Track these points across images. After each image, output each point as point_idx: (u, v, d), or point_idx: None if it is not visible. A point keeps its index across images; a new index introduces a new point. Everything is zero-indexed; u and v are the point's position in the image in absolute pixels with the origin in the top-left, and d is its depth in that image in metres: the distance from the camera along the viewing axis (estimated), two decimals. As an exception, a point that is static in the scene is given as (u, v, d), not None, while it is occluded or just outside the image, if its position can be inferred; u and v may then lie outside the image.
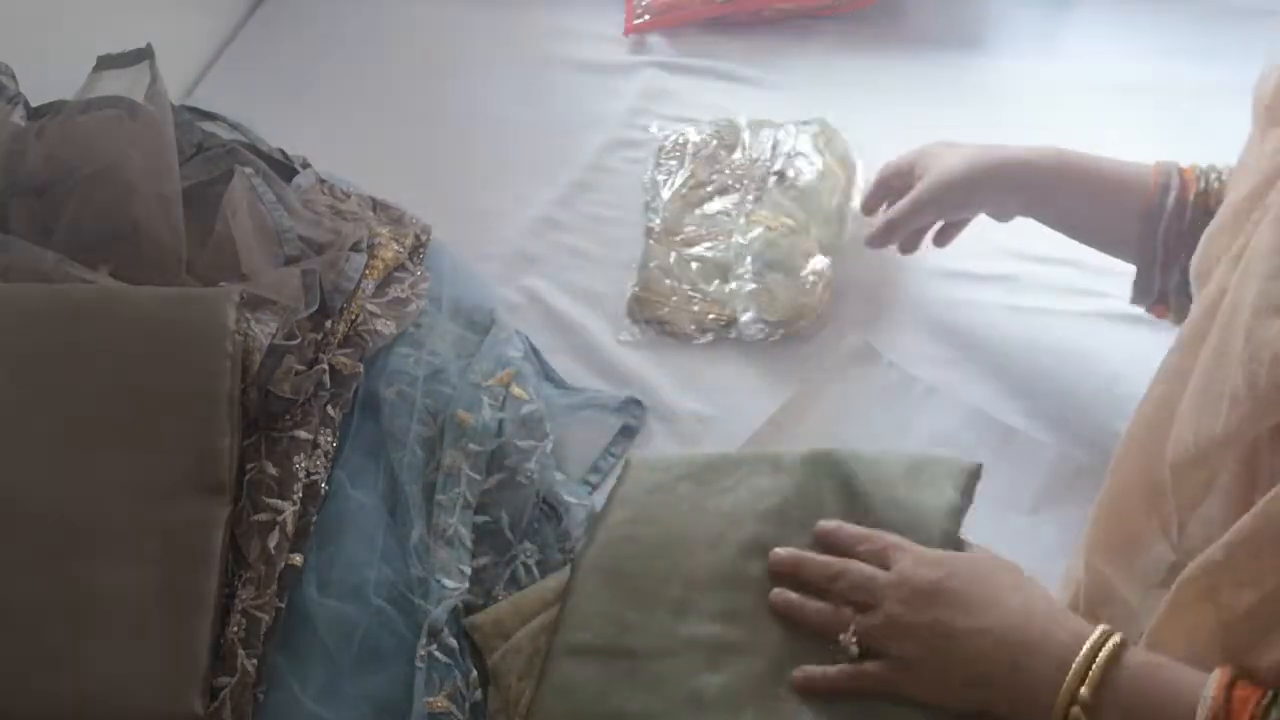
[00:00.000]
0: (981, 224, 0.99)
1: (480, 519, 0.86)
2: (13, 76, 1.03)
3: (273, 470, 0.83)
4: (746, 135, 1.17)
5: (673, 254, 1.09)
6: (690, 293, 1.06)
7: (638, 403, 0.98)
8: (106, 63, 1.08)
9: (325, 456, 0.86)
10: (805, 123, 1.17)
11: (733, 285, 1.05)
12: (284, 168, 1.06)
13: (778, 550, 0.74)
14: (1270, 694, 0.58)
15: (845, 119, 1.19)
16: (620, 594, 0.75)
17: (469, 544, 0.84)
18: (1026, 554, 0.75)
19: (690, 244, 1.10)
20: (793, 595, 0.73)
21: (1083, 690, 0.62)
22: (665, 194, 1.14)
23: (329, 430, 0.87)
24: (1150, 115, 1.19)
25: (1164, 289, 0.88)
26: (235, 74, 1.35)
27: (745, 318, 1.02)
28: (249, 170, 1.00)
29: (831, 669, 0.70)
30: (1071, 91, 1.25)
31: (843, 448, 0.79)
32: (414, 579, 0.81)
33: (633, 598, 0.74)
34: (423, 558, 0.82)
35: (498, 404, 0.92)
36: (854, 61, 1.31)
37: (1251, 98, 0.70)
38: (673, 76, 1.31)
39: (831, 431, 0.94)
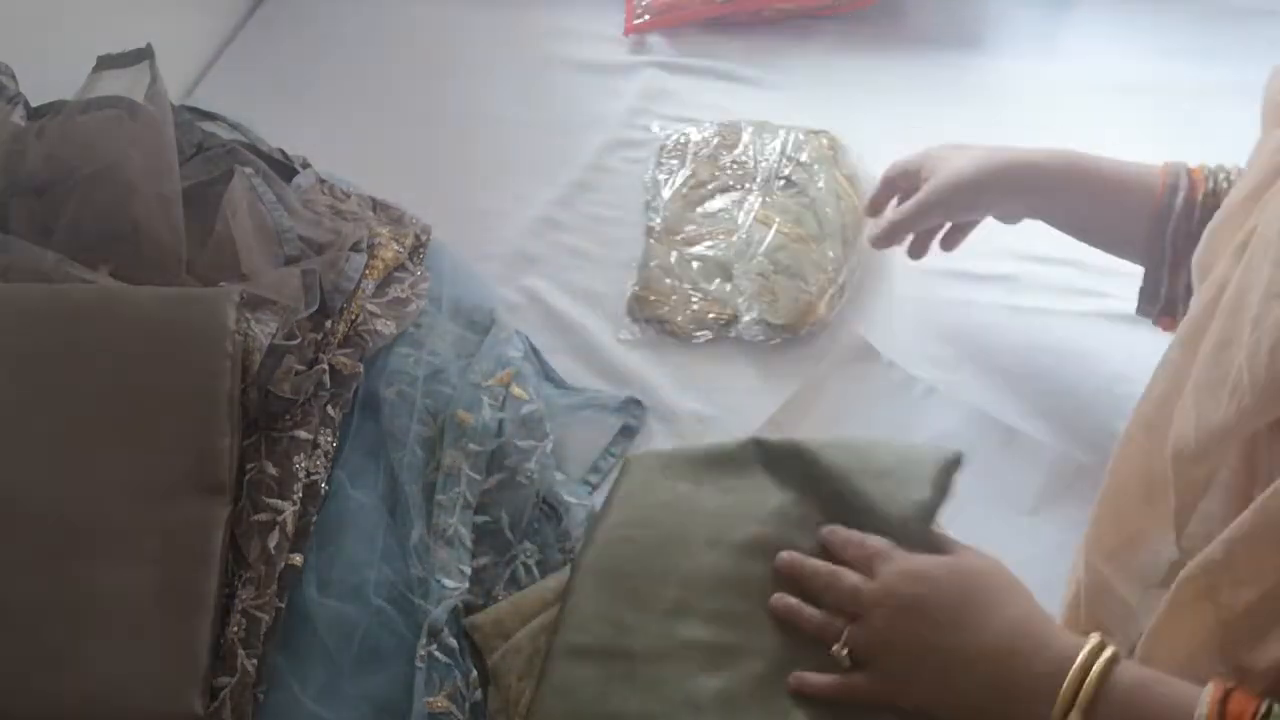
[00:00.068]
0: (983, 224, 0.99)
1: (480, 519, 0.86)
2: (13, 76, 1.03)
3: (273, 470, 0.83)
4: (749, 136, 1.17)
5: (673, 253, 1.09)
6: (691, 292, 1.06)
7: (638, 403, 0.98)
8: (106, 63, 1.08)
9: (325, 456, 0.86)
10: (814, 132, 1.17)
11: (735, 280, 1.05)
12: (284, 168, 1.06)
13: (781, 554, 0.74)
14: (1266, 704, 0.57)
15: (845, 119, 1.19)
16: (618, 596, 0.75)
17: (469, 544, 0.84)
18: (1026, 554, 0.75)
19: (691, 243, 1.10)
20: (792, 601, 0.73)
21: (1073, 716, 0.62)
22: (666, 193, 1.14)
23: (329, 430, 0.87)
24: (1150, 115, 1.19)
25: (1172, 295, 0.87)
26: (235, 74, 1.35)
27: (746, 318, 1.02)
28: (249, 170, 1.00)
29: (825, 677, 0.70)
30: (1071, 91, 1.25)
31: (828, 440, 0.79)
32: (414, 579, 0.81)
33: (631, 599, 0.74)
34: (423, 558, 0.82)
35: (498, 404, 0.92)
36: (854, 61, 1.31)
37: (1262, 97, 0.70)
38: (673, 76, 1.31)
39: (831, 431, 0.94)
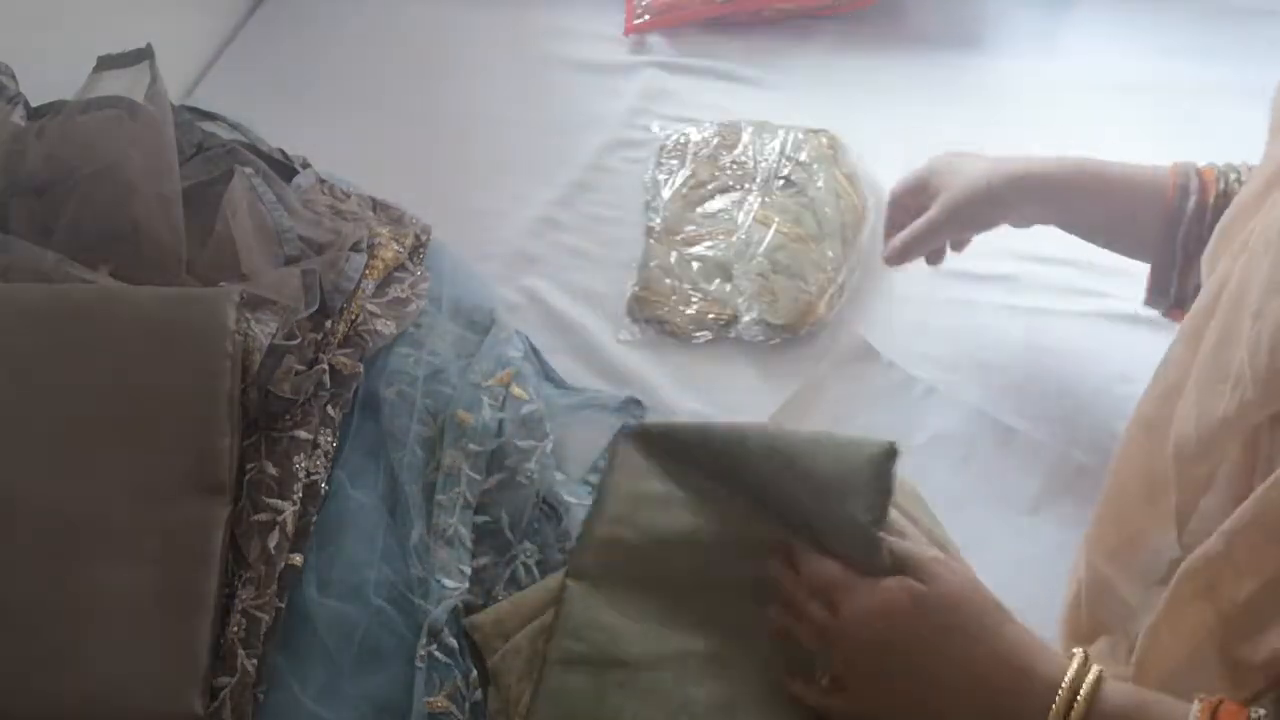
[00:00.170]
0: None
1: (480, 519, 0.86)
2: (13, 76, 1.03)
3: (273, 470, 0.83)
4: (749, 136, 1.17)
5: (673, 253, 1.09)
6: (690, 292, 1.06)
7: (638, 403, 0.98)
8: (106, 63, 1.08)
9: (325, 456, 0.86)
10: (814, 131, 1.17)
11: (735, 280, 1.05)
12: (284, 168, 1.06)
13: (771, 565, 0.74)
14: (1255, 713, 0.57)
15: (845, 119, 1.19)
16: (611, 603, 0.74)
17: (469, 544, 0.84)
18: (1026, 554, 0.75)
19: (691, 243, 1.10)
20: (783, 616, 0.72)
21: None
22: (666, 193, 1.14)
23: (329, 430, 0.87)
24: (1150, 114, 1.19)
25: (1182, 294, 0.87)
26: (235, 74, 1.35)
27: (746, 318, 1.03)
28: (249, 170, 1.00)
29: (812, 691, 0.70)
30: (1071, 91, 1.25)
31: (759, 447, 0.75)
32: (414, 579, 0.82)
33: (623, 607, 0.74)
34: (423, 558, 0.82)
35: (498, 404, 0.92)
36: (854, 61, 1.31)
37: (1272, 99, 0.70)
38: (673, 76, 1.31)
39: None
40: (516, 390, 0.93)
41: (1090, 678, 0.62)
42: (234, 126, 1.10)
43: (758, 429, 0.77)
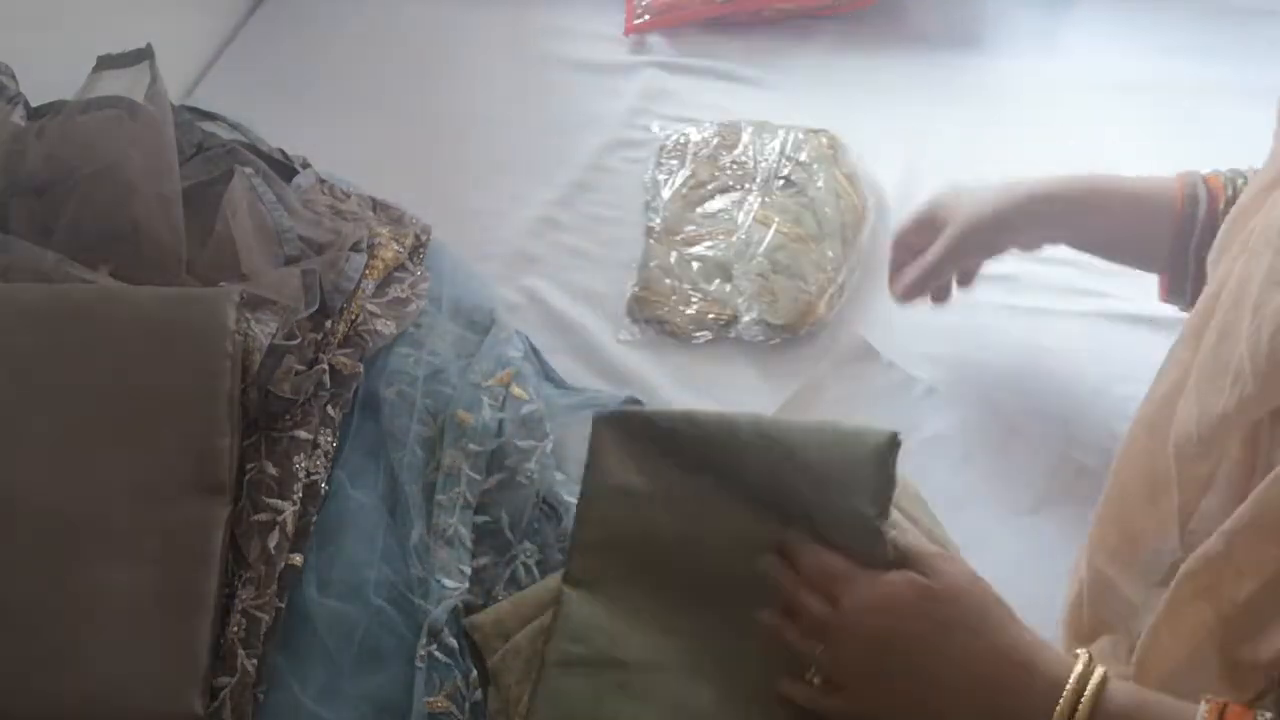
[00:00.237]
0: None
1: (480, 519, 0.86)
2: (13, 76, 1.03)
3: (273, 470, 0.83)
4: (749, 136, 1.17)
5: (673, 253, 1.09)
6: (690, 292, 1.06)
7: (638, 403, 0.98)
8: (106, 63, 1.08)
9: (325, 456, 0.86)
10: (814, 131, 1.17)
11: (735, 280, 1.05)
12: (284, 168, 1.06)
13: (767, 560, 0.73)
14: (1264, 716, 0.57)
15: (845, 119, 1.19)
16: (607, 605, 0.74)
17: (469, 544, 0.84)
18: (1026, 554, 0.75)
19: (691, 243, 1.10)
20: (777, 618, 0.71)
21: None
22: (666, 193, 1.14)
23: (329, 430, 0.87)
24: (1150, 113, 1.19)
25: (1196, 297, 0.87)
26: (235, 74, 1.35)
27: (746, 319, 1.03)
28: (249, 170, 1.00)
29: (805, 691, 0.69)
30: (1071, 90, 1.25)
31: (753, 438, 0.74)
32: (414, 579, 0.82)
33: (620, 608, 0.74)
34: (423, 558, 0.82)
35: (498, 404, 0.92)
36: (854, 61, 1.31)
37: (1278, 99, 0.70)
38: (673, 76, 1.31)
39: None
40: (516, 390, 0.93)
41: (1095, 678, 0.61)
42: (234, 126, 1.10)
43: (748, 419, 0.76)
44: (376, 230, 1.01)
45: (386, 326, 0.94)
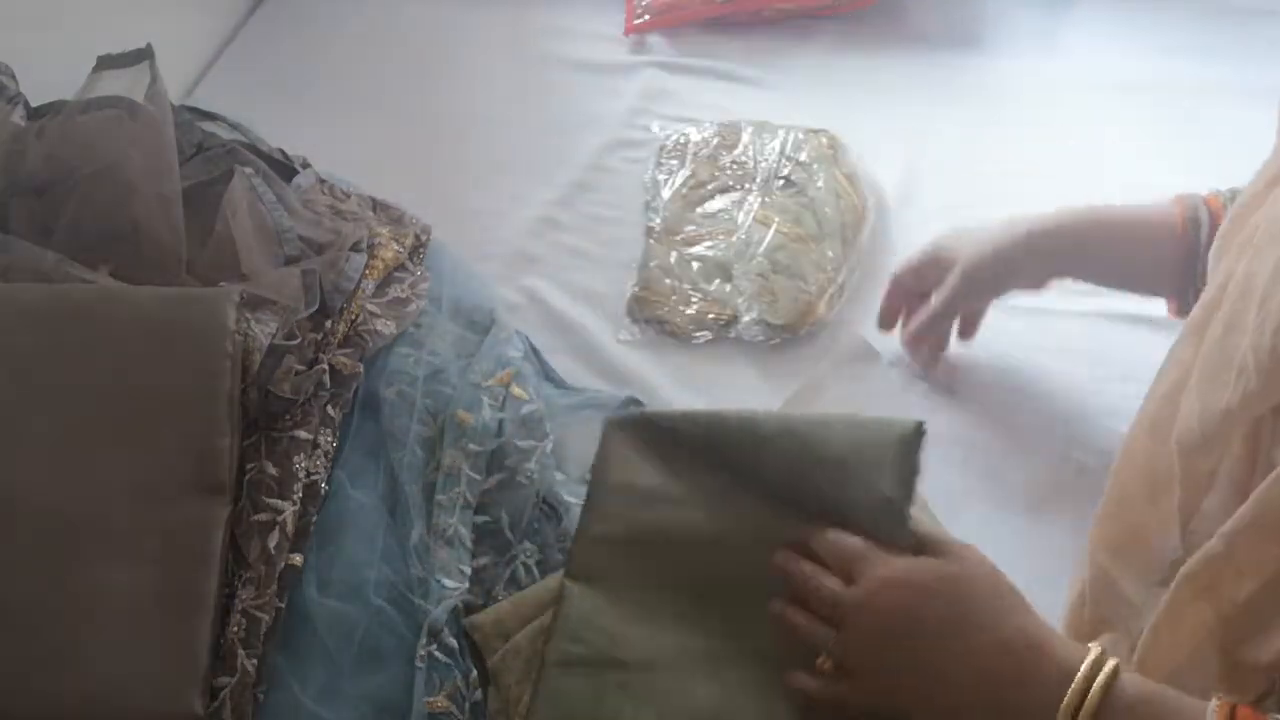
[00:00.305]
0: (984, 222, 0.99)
1: (480, 519, 0.86)
2: (13, 76, 1.03)
3: (273, 470, 0.83)
4: (749, 136, 1.17)
5: (673, 253, 1.09)
6: (690, 292, 1.06)
7: (638, 403, 0.98)
8: (106, 63, 1.08)
9: (325, 456, 0.86)
10: (814, 131, 1.17)
11: (735, 280, 1.05)
12: (284, 168, 1.06)
13: (776, 554, 0.72)
14: (1275, 718, 0.57)
15: (845, 119, 1.19)
16: (608, 604, 0.74)
17: (469, 544, 0.84)
18: (1026, 554, 0.75)
19: (691, 243, 1.10)
20: (785, 606, 0.71)
21: None
22: (666, 193, 1.14)
23: (329, 430, 0.87)
24: (1150, 114, 1.20)
25: None
26: (235, 74, 1.35)
27: (746, 319, 1.03)
28: (249, 170, 1.00)
29: (815, 683, 0.68)
30: (1071, 90, 1.25)
31: (776, 428, 0.74)
32: (414, 579, 0.81)
33: (622, 607, 0.74)
34: (423, 558, 0.82)
35: (498, 404, 0.92)
36: (854, 61, 1.31)
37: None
38: (673, 76, 1.31)
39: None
40: (516, 390, 0.93)
41: (1107, 669, 0.61)
42: (234, 126, 1.10)
43: (772, 415, 0.76)
44: (376, 230, 1.01)
45: (386, 326, 0.94)
